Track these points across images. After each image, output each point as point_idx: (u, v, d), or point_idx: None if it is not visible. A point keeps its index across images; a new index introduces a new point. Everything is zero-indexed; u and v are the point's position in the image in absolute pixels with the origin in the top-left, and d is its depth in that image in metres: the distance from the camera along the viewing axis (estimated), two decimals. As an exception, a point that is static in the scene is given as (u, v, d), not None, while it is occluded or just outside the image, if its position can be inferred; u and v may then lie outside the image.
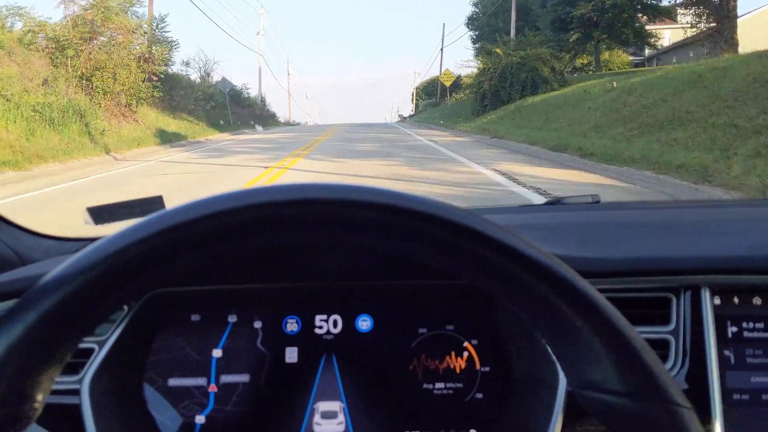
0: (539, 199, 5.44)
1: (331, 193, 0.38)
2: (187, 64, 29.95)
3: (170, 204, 0.44)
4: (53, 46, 15.00)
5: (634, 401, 0.39)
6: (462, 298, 0.80)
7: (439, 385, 0.79)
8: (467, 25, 37.72)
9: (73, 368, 0.70)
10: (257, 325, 0.80)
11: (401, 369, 0.79)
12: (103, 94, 15.23)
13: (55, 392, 0.67)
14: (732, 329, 0.72)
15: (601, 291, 0.41)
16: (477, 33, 35.75)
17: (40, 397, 0.39)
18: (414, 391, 0.78)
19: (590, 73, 26.68)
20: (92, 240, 0.95)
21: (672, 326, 0.73)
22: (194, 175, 8.71)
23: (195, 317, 0.80)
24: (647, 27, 25.57)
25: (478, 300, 0.80)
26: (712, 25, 17.31)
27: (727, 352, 0.71)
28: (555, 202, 1.10)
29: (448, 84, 31.99)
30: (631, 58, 33.61)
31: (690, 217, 0.97)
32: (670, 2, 22.54)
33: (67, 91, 13.49)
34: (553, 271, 0.39)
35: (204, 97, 24.99)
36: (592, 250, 0.75)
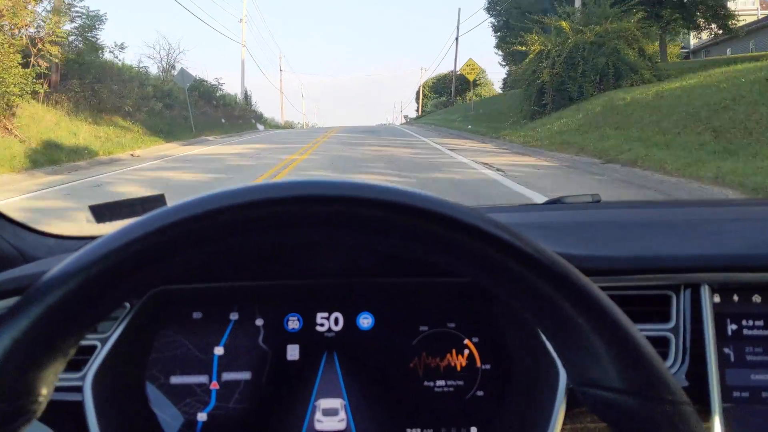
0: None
1: (333, 190, 0.39)
2: (121, 47, 23.73)
3: (172, 202, 0.44)
4: None
5: (635, 398, 0.40)
6: (463, 295, 0.81)
7: (440, 382, 0.79)
8: (488, 9, 29.94)
9: (76, 365, 0.71)
10: (259, 322, 0.80)
11: (402, 366, 0.79)
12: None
13: (58, 389, 0.67)
14: (732, 327, 0.72)
15: (602, 289, 0.41)
16: (501, 19, 28.41)
17: (44, 392, 0.40)
18: (415, 388, 0.79)
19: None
20: (94, 238, 0.95)
21: (672, 324, 0.73)
22: None
23: (197, 315, 0.80)
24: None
25: (479, 298, 0.80)
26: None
27: (726, 350, 0.71)
28: (555, 201, 1.10)
29: (472, 77, 26.01)
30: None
31: (690, 216, 0.97)
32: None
33: None
34: (554, 268, 0.39)
35: (159, 95, 19.51)
36: (592, 248, 0.75)
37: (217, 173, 8.85)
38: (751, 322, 0.72)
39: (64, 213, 5.93)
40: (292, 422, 0.77)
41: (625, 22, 13.67)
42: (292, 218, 0.39)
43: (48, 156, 10.47)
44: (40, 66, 12.25)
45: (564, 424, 0.67)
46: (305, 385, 0.78)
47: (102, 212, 0.87)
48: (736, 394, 0.70)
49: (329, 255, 0.77)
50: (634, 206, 1.16)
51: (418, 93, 63.30)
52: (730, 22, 20.12)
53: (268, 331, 0.80)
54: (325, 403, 0.77)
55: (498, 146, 12.88)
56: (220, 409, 0.77)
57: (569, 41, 13.93)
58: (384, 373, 0.79)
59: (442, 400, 0.79)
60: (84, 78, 15.30)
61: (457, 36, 36.89)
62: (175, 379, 0.78)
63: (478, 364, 0.80)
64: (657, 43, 19.22)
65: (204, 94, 25.76)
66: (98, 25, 17.04)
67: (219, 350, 0.79)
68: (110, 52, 19.06)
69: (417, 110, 62.93)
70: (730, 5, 20.28)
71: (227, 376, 0.78)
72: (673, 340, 0.72)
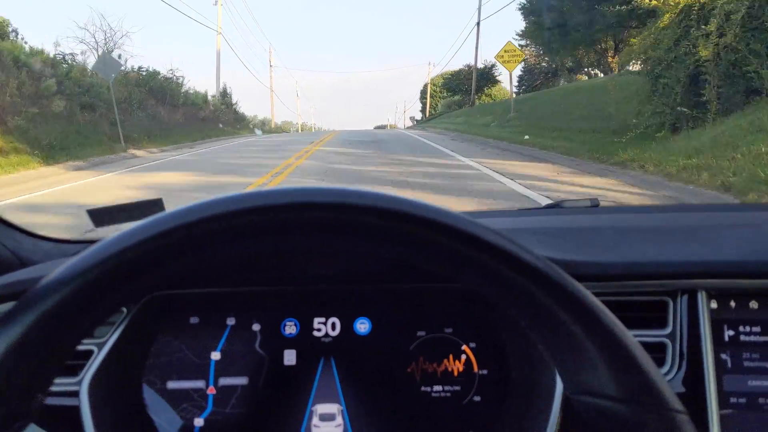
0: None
1: (330, 197, 0.39)
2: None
3: (170, 207, 0.43)
4: None
5: (630, 406, 0.40)
6: (460, 301, 0.81)
7: (437, 387, 0.79)
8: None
9: (73, 370, 0.71)
10: (256, 327, 0.80)
11: (399, 372, 0.79)
12: None
13: (54, 394, 0.68)
14: (729, 333, 0.72)
15: (598, 295, 0.41)
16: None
17: (39, 397, 0.40)
18: (412, 393, 0.79)
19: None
20: (91, 242, 0.95)
21: (669, 330, 0.73)
22: None
23: (194, 320, 0.80)
24: None
25: (476, 303, 0.80)
26: None
27: (723, 356, 0.71)
28: (554, 206, 1.10)
29: (512, 67, 17.09)
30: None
31: (687, 222, 0.97)
32: None
33: None
34: (548, 276, 0.39)
35: (73, 91, 13.78)
36: (589, 254, 0.75)
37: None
38: (748, 328, 0.72)
39: None
40: (288, 427, 0.77)
41: None
42: (290, 225, 0.39)
43: None
44: None
45: (560, 429, 0.67)
46: (302, 390, 0.78)
47: (100, 217, 0.87)
48: (733, 400, 0.70)
49: (326, 261, 0.77)
50: (631, 211, 1.16)
51: (423, 91, 58.21)
52: None
53: (265, 336, 0.80)
54: (321, 408, 0.77)
55: (654, 189, 6.23)
56: (217, 414, 0.77)
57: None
58: (381, 378, 0.79)
59: (440, 405, 0.79)
60: None
61: (479, 20, 29.45)
62: (172, 384, 0.78)
63: (476, 369, 0.80)
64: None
65: (157, 91, 19.86)
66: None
67: (216, 355, 0.79)
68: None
69: (423, 111, 58.05)
70: None
71: (224, 381, 0.78)
72: (670, 346, 0.72)
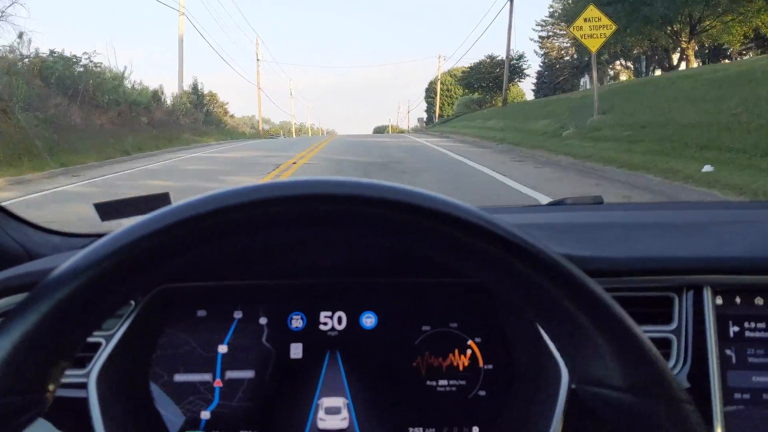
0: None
1: (339, 189, 0.39)
2: None
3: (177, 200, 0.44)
4: None
5: (636, 397, 0.40)
6: (466, 295, 0.81)
7: (443, 382, 0.79)
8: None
9: (81, 362, 0.71)
10: (262, 321, 0.81)
11: (405, 366, 0.79)
12: None
13: (62, 385, 0.68)
14: (734, 329, 0.72)
15: (604, 290, 0.41)
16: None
17: (51, 387, 0.40)
18: (417, 387, 0.79)
19: None
20: (98, 235, 0.96)
21: (674, 325, 0.73)
22: None
23: (201, 313, 0.80)
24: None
25: (481, 297, 0.80)
26: None
27: (728, 352, 0.72)
28: (558, 203, 1.11)
29: (595, 46, 11.40)
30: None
31: (692, 218, 0.97)
32: None
33: None
34: (557, 267, 0.40)
35: None
36: (594, 249, 0.76)
37: None
38: (753, 324, 0.72)
39: None
40: (294, 420, 0.77)
41: None
42: (305, 217, 0.39)
43: None
44: None
45: (566, 424, 0.67)
46: (308, 383, 0.78)
47: (107, 210, 0.88)
48: (737, 395, 0.70)
49: (333, 254, 0.78)
50: (636, 208, 1.17)
51: (429, 89, 52.82)
52: None
53: (271, 330, 0.80)
54: (327, 401, 0.77)
55: None
56: (224, 407, 0.78)
57: None
58: (387, 372, 0.79)
59: (445, 399, 0.79)
60: None
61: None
62: (178, 377, 0.78)
63: (481, 364, 0.80)
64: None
65: (64, 83, 14.30)
66: None
67: (223, 348, 0.79)
68: None
69: (428, 111, 52.54)
70: None
71: (231, 374, 0.78)
72: (675, 342, 0.72)
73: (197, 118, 25.12)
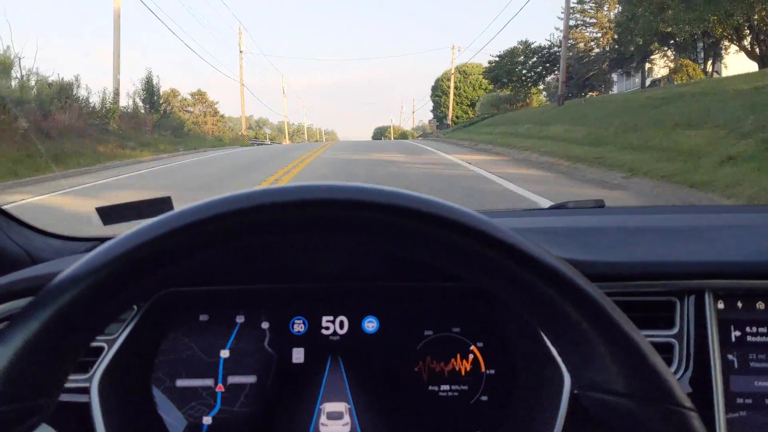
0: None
1: (341, 194, 0.39)
2: None
3: (179, 204, 0.44)
4: None
5: (639, 403, 0.40)
6: (468, 300, 0.81)
7: (445, 387, 0.79)
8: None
9: (83, 367, 0.71)
10: (264, 325, 0.81)
11: (407, 370, 0.79)
12: None
13: (65, 390, 0.68)
14: (735, 333, 0.72)
15: (606, 294, 0.41)
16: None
17: (54, 393, 0.40)
18: (419, 392, 0.79)
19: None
20: (100, 240, 0.96)
21: (676, 330, 0.73)
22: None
23: (203, 317, 0.80)
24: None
25: (483, 302, 0.80)
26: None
27: (730, 356, 0.72)
28: (560, 207, 1.11)
29: None
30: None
31: (694, 222, 0.97)
32: None
33: None
34: (559, 273, 0.40)
35: None
36: (596, 253, 0.76)
37: None
38: (754, 329, 0.72)
39: None
40: (297, 425, 0.77)
41: None
42: (307, 222, 0.39)
43: None
44: None
45: (567, 429, 0.67)
46: (310, 388, 0.78)
47: (108, 214, 0.88)
48: (739, 400, 0.70)
49: (335, 259, 0.78)
50: (637, 212, 1.17)
51: (435, 87, 46.82)
52: None
53: (273, 334, 0.80)
54: (329, 406, 0.77)
55: None
56: (226, 413, 0.78)
57: None
58: (389, 376, 0.79)
59: (447, 404, 0.79)
60: None
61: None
62: (180, 382, 0.78)
63: (483, 368, 0.80)
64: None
65: None
66: None
67: (225, 353, 0.79)
68: None
69: (434, 111, 46.82)
70: None
71: (233, 379, 0.78)
72: (677, 347, 0.72)
73: (144, 121, 19.60)
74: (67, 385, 0.69)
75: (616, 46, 25.83)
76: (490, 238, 0.39)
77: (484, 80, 39.68)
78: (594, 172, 8.67)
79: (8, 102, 12.08)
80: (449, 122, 38.85)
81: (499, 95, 32.21)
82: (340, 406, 0.78)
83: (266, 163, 12.51)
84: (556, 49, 28.31)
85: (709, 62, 22.86)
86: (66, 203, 7.36)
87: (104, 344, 0.73)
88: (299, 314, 0.81)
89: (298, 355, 0.80)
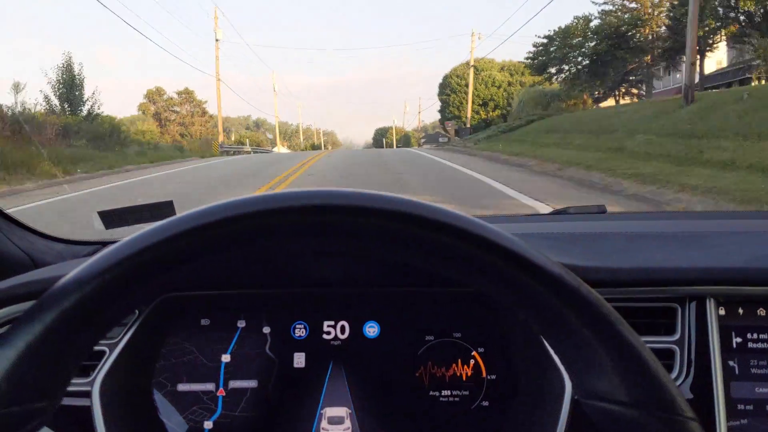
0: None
1: (342, 200, 0.39)
2: None
3: (181, 208, 0.44)
4: None
5: (640, 411, 0.40)
6: (469, 305, 0.81)
7: (446, 392, 0.79)
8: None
9: (85, 370, 0.71)
10: (266, 330, 0.81)
11: (408, 376, 0.79)
12: None
13: (66, 393, 0.68)
14: (737, 339, 0.72)
15: (607, 301, 0.41)
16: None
17: (56, 396, 0.40)
18: (420, 397, 0.79)
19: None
20: (102, 243, 0.96)
21: (677, 336, 0.73)
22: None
23: (204, 321, 0.80)
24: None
25: (485, 308, 0.80)
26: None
27: (731, 363, 0.72)
28: (561, 212, 1.11)
29: None
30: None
31: (695, 228, 0.97)
32: None
33: None
34: (560, 279, 0.40)
35: None
36: (597, 259, 0.76)
37: None
38: (755, 335, 0.72)
39: None
40: (298, 430, 0.77)
41: None
42: (308, 228, 0.39)
43: None
44: None
45: None
46: (311, 393, 0.78)
47: (110, 218, 0.88)
48: (740, 406, 0.70)
49: (336, 264, 0.78)
50: (638, 217, 1.17)
51: (444, 85, 41.07)
52: None
53: (275, 339, 0.80)
54: (330, 411, 0.77)
55: None
56: (227, 417, 0.78)
57: None
58: (390, 381, 0.79)
59: (448, 409, 0.79)
60: None
61: None
62: (182, 387, 0.78)
63: (484, 374, 0.80)
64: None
65: None
66: None
67: (226, 358, 0.79)
68: None
69: (442, 111, 41.19)
70: None
71: (234, 383, 0.79)
72: (678, 353, 0.72)
73: (41, 124, 14.39)
74: (69, 388, 0.69)
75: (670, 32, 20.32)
76: (491, 244, 0.39)
77: (501, 74, 36.66)
78: None
79: None
80: (468, 124, 33.18)
81: (544, 90, 25.38)
82: (341, 411, 0.78)
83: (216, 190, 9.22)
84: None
85: None
86: None
87: (106, 348, 0.73)
88: (300, 319, 0.81)
89: (299, 360, 0.80)
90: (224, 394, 0.78)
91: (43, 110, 16.05)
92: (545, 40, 23.66)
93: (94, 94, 18.92)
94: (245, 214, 0.38)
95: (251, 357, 0.80)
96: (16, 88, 15.15)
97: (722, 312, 0.73)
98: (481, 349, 0.81)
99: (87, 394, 0.70)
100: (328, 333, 0.81)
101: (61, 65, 17.51)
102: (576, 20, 22.73)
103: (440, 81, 42.76)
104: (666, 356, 0.72)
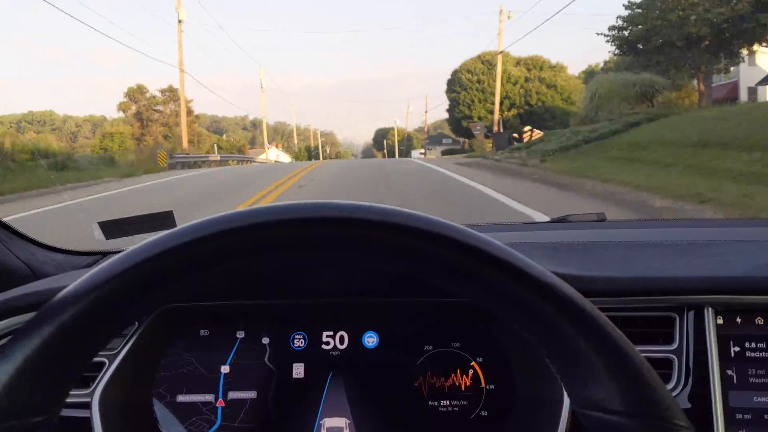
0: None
1: (340, 212, 0.39)
2: None
3: (181, 220, 0.43)
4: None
5: (636, 421, 0.40)
6: (468, 315, 0.81)
7: (445, 402, 0.79)
8: None
9: (84, 382, 0.72)
10: (265, 340, 0.81)
11: (407, 386, 0.80)
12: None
13: (66, 405, 0.68)
14: (735, 349, 0.72)
15: (605, 310, 0.41)
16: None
17: (54, 410, 0.40)
18: (419, 408, 0.79)
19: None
20: (102, 254, 0.97)
21: (675, 345, 0.73)
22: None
23: (204, 332, 0.81)
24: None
25: (484, 318, 0.81)
26: None
27: (729, 372, 0.72)
28: (560, 220, 1.11)
29: None
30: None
31: (693, 236, 0.97)
32: None
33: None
34: (555, 290, 0.40)
35: None
36: (596, 268, 0.76)
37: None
38: (754, 344, 0.72)
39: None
40: None
41: None
42: (305, 240, 0.40)
43: None
44: None
45: None
46: (310, 403, 0.78)
47: (110, 229, 0.89)
48: (738, 416, 0.70)
49: (334, 274, 0.78)
50: (638, 225, 1.17)
51: (452, 81, 36.74)
52: None
53: (274, 350, 0.80)
54: (330, 421, 0.78)
55: None
56: (226, 428, 0.78)
57: None
58: (389, 391, 0.79)
59: (447, 420, 0.79)
60: None
61: None
62: (181, 398, 0.78)
63: (483, 384, 0.80)
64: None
65: None
66: None
67: (225, 368, 0.79)
68: None
69: (450, 110, 36.86)
70: None
71: (233, 394, 0.79)
72: (676, 362, 0.72)
73: None
74: (68, 400, 0.69)
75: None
76: (485, 255, 0.40)
77: (517, 69, 31.25)
78: None
79: None
80: (499, 127, 26.14)
81: (628, 79, 17.80)
82: (341, 422, 0.78)
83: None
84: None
85: None
86: None
87: (105, 359, 0.73)
88: (300, 329, 0.81)
89: (298, 371, 0.80)
90: (224, 405, 0.78)
91: None
92: (629, 11, 17.71)
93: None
94: (243, 227, 0.39)
95: (250, 368, 0.80)
96: None
97: (720, 321, 0.73)
98: (479, 359, 0.81)
99: (86, 406, 0.70)
100: (327, 343, 0.81)
101: None
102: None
103: (448, 77, 38.27)
104: (664, 365, 0.72)
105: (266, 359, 0.80)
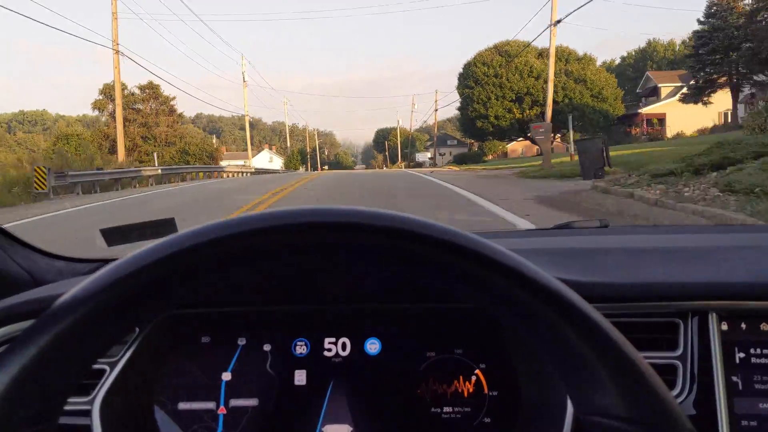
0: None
1: (339, 217, 0.39)
2: None
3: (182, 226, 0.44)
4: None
5: (640, 428, 0.40)
6: (470, 322, 0.81)
7: (447, 409, 0.79)
8: None
9: (85, 389, 0.71)
10: (267, 347, 0.80)
11: (409, 392, 0.79)
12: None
13: (66, 413, 0.68)
14: (740, 355, 0.72)
15: (608, 316, 0.41)
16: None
17: (53, 418, 0.40)
18: (422, 414, 0.79)
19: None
20: (103, 261, 0.96)
21: (679, 351, 0.73)
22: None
23: (205, 339, 0.80)
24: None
25: (486, 324, 0.80)
26: None
27: (734, 378, 0.71)
28: (564, 226, 1.11)
29: None
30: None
31: (697, 243, 0.97)
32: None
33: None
34: (559, 296, 0.40)
35: None
36: (599, 275, 0.76)
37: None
38: (759, 350, 0.72)
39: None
40: None
41: None
42: (308, 245, 0.39)
43: None
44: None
45: None
46: (312, 410, 0.78)
47: (112, 236, 0.88)
48: (744, 422, 0.70)
49: (336, 281, 0.78)
50: (641, 231, 1.17)
51: (465, 76, 32.55)
52: None
53: (275, 357, 0.80)
54: (331, 429, 0.77)
55: None
56: None
57: None
58: (391, 398, 0.79)
59: (450, 426, 0.79)
60: None
61: None
62: (183, 405, 0.78)
63: (486, 390, 0.80)
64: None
65: None
66: None
67: (227, 376, 0.79)
68: None
69: (464, 110, 33.00)
70: None
71: (235, 402, 0.78)
72: (681, 368, 0.72)
73: None
74: (68, 407, 0.69)
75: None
76: (488, 260, 0.39)
77: (539, 62, 25.95)
78: None
79: None
80: (547, 118, 20.11)
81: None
82: (343, 429, 0.77)
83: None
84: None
85: None
86: None
87: (106, 366, 0.73)
88: (301, 336, 0.81)
89: (300, 378, 0.80)
90: (225, 412, 0.78)
91: None
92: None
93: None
94: (242, 233, 0.38)
95: (252, 375, 0.79)
96: None
97: (725, 327, 0.73)
98: (482, 365, 0.80)
99: (87, 413, 0.70)
100: (329, 350, 0.81)
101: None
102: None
103: (460, 71, 34.56)
104: (668, 372, 0.72)
105: (268, 366, 0.80)
